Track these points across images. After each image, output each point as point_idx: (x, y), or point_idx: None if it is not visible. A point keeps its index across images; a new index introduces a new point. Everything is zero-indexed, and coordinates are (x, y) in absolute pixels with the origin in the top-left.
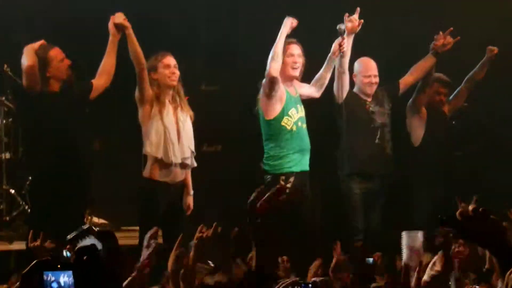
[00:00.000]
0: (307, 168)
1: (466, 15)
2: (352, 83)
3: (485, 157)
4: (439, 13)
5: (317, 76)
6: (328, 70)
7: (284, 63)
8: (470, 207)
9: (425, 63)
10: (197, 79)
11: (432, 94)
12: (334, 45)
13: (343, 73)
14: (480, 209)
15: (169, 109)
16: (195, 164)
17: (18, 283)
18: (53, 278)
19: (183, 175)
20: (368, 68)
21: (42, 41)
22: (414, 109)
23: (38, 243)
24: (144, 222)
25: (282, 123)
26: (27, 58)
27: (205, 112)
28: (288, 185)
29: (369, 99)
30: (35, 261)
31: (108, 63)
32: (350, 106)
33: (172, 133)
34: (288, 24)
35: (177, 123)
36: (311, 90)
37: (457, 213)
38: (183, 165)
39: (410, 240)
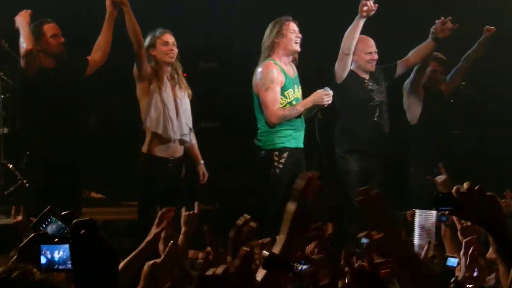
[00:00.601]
0: (301, 145)
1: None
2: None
3: (482, 136)
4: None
5: None
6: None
7: (287, 39)
8: (465, 185)
9: (425, 47)
10: (195, 56)
11: (429, 72)
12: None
13: (347, 54)
14: (476, 187)
15: (167, 85)
16: (194, 141)
17: (15, 256)
18: (49, 252)
19: (182, 150)
20: (369, 45)
21: (29, 11)
22: (411, 89)
23: (20, 218)
24: (143, 197)
25: None
26: (26, 41)
27: (203, 89)
28: (282, 160)
29: (367, 77)
30: (32, 235)
31: (103, 40)
32: (348, 84)
33: (171, 109)
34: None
35: (175, 100)
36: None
37: (453, 190)
38: (181, 141)
39: (422, 219)
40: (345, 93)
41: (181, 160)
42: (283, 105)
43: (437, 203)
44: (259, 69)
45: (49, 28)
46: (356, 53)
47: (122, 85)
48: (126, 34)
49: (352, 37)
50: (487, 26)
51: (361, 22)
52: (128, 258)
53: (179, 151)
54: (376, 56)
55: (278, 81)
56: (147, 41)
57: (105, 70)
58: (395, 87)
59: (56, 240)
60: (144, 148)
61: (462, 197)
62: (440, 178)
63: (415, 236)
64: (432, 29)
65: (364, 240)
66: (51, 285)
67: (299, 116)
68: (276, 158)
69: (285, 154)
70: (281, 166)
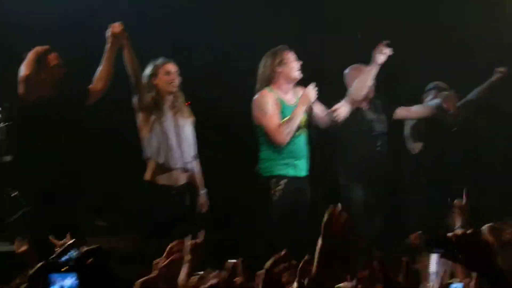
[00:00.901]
0: (302, 173)
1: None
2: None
3: (483, 164)
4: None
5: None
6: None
7: (289, 68)
8: (459, 230)
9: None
10: (198, 86)
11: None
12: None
13: (357, 101)
14: (469, 231)
15: (168, 115)
16: (196, 169)
17: (24, 285)
18: (58, 280)
19: (185, 178)
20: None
21: (47, 46)
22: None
23: (25, 248)
24: (145, 225)
25: None
26: (26, 67)
27: (205, 118)
28: (279, 188)
29: (367, 107)
30: (41, 263)
31: (105, 70)
32: (349, 116)
33: (172, 138)
34: (311, 99)
35: (176, 128)
36: (322, 115)
37: (448, 235)
38: (184, 169)
39: None
40: (346, 123)
41: (184, 188)
42: None
43: (429, 245)
44: (256, 98)
45: (52, 58)
46: (352, 86)
47: (124, 115)
48: None
49: (367, 86)
50: (497, 68)
51: (376, 70)
52: None
53: (182, 179)
54: (372, 83)
55: (274, 106)
56: (149, 70)
57: (107, 99)
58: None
59: (63, 269)
60: (147, 176)
61: (455, 240)
62: (460, 202)
63: (431, 263)
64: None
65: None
66: None
67: (302, 142)
68: (274, 185)
69: (283, 182)
70: (278, 193)
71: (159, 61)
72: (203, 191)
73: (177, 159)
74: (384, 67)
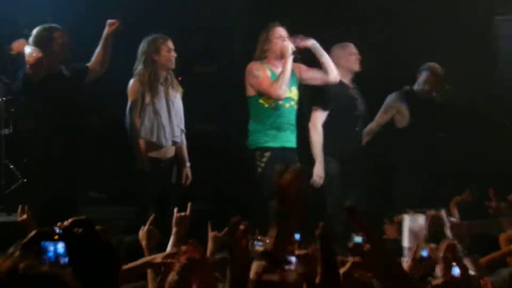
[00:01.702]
0: (289, 144)
1: None
2: None
3: (467, 138)
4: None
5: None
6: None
7: (273, 44)
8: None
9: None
10: (191, 61)
11: (423, 82)
12: None
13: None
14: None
15: (160, 92)
16: (185, 142)
17: (18, 252)
18: (49, 248)
19: (173, 151)
20: (351, 47)
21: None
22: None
23: (25, 216)
24: (138, 196)
25: (260, 101)
26: (36, 49)
27: (197, 92)
28: (264, 159)
29: (351, 86)
30: (34, 232)
31: (103, 54)
32: (334, 90)
33: (164, 116)
34: (290, 51)
35: (167, 104)
36: (319, 74)
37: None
38: (173, 143)
39: (411, 223)
40: (331, 99)
41: (172, 160)
42: (268, 104)
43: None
44: (247, 67)
45: (58, 36)
46: (342, 58)
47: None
48: (126, 42)
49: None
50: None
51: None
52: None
53: (171, 151)
54: (359, 56)
55: (264, 72)
56: (148, 46)
57: (104, 79)
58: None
59: (56, 237)
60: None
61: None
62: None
63: (404, 239)
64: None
65: (357, 239)
66: (55, 277)
67: (289, 115)
68: (258, 157)
69: (267, 153)
70: (262, 165)
71: (159, 37)
72: (188, 164)
73: (168, 136)
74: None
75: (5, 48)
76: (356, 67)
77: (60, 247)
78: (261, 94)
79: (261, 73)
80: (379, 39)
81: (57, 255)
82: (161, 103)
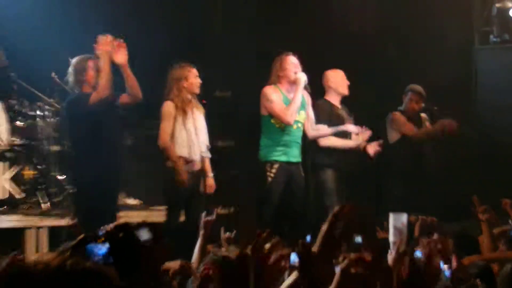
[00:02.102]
0: (294, 159)
1: None
2: (323, 92)
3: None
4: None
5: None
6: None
7: (287, 71)
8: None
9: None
10: (212, 85)
11: (407, 102)
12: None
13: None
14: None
15: (189, 114)
16: (210, 155)
17: (68, 253)
18: (94, 249)
19: (200, 164)
20: (342, 74)
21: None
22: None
23: (74, 221)
24: (170, 203)
25: (272, 121)
26: (106, 88)
27: (218, 114)
28: (273, 171)
29: (340, 107)
30: (82, 236)
31: (105, 79)
32: (325, 111)
33: (193, 134)
34: (303, 83)
35: (194, 123)
36: (308, 128)
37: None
38: (201, 157)
39: (395, 220)
40: (321, 120)
41: (199, 172)
42: (278, 124)
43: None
44: (263, 91)
45: (92, 63)
46: (333, 82)
47: (152, 110)
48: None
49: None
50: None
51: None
52: None
53: (199, 165)
54: (348, 82)
55: (278, 97)
56: (180, 73)
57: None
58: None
59: (100, 240)
60: (170, 164)
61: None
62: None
63: (390, 234)
64: None
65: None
66: (99, 272)
67: (296, 134)
68: (268, 169)
69: (276, 166)
70: (272, 175)
71: (187, 65)
72: (211, 175)
73: (197, 151)
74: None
75: (52, 75)
76: (345, 91)
77: (104, 248)
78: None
79: (275, 98)
80: (367, 65)
81: (101, 256)
82: (189, 123)
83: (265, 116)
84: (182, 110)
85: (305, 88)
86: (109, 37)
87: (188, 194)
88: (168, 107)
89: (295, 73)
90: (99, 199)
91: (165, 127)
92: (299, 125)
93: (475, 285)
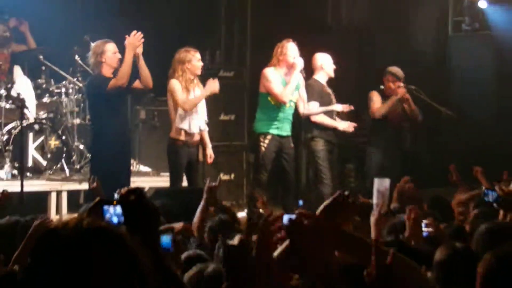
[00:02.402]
0: (285, 133)
1: None
2: (311, 73)
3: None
4: None
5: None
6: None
7: (287, 56)
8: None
9: None
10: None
11: (385, 82)
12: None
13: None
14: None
15: (191, 92)
16: (207, 128)
17: (85, 214)
18: (110, 211)
19: (199, 135)
20: (330, 58)
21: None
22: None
23: (95, 185)
24: (172, 170)
25: (268, 98)
26: (126, 76)
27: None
28: (266, 141)
29: (326, 85)
30: (98, 199)
31: (125, 70)
32: (318, 89)
33: (193, 110)
34: (299, 67)
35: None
36: (300, 107)
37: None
38: (200, 130)
39: (379, 184)
40: (313, 98)
41: (198, 144)
42: (273, 101)
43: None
44: (263, 71)
45: (110, 46)
46: (323, 63)
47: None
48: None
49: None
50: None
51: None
52: None
53: (197, 136)
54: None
55: (276, 78)
56: (184, 56)
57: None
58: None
59: (114, 202)
60: (173, 134)
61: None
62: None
63: (373, 197)
64: None
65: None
66: (112, 231)
67: (289, 111)
68: (262, 139)
69: (269, 137)
70: (265, 145)
71: (191, 50)
72: (210, 146)
73: (196, 125)
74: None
75: (75, 58)
76: (332, 74)
77: (118, 210)
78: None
79: (273, 79)
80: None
81: (114, 216)
82: (191, 98)
83: (263, 94)
84: (186, 88)
85: (301, 72)
86: (139, 34)
87: (188, 162)
88: (175, 84)
89: (294, 58)
90: (114, 165)
91: (173, 101)
92: (292, 104)
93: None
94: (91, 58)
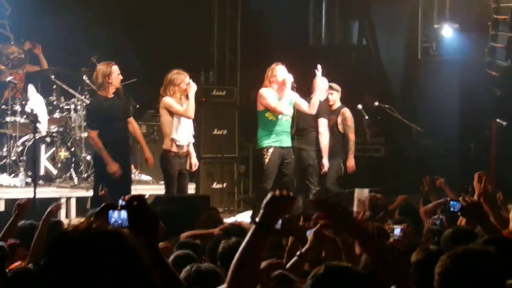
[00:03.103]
0: (285, 145)
1: None
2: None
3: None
4: None
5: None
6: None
7: (277, 78)
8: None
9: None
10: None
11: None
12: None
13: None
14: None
15: (183, 104)
16: (193, 140)
17: (92, 218)
18: (114, 215)
19: (187, 147)
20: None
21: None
22: None
23: (103, 192)
24: (166, 178)
25: (266, 115)
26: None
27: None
28: (268, 154)
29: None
30: (103, 204)
31: None
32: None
33: (183, 124)
34: (289, 83)
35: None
36: (304, 107)
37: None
38: (188, 142)
39: (359, 194)
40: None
41: (186, 154)
42: (270, 117)
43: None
44: (260, 91)
45: (115, 68)
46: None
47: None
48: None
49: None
50: None
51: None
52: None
53: (185, 148)
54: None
55: (271, 95)
56: (176, 78)
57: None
58: None
59: (118, 207)
60: (166, 147)
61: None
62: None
63: (354, 206)
64: None
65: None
66: (118, 234)
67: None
68: (264, 153)
69: (271, 149)
70: (267, 158)
71: (182, 73)
72: (195, 155)
73: (185, 138)
74: None
75: (84, 78)
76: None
77: (122, 214)
78: (267, 110)
79: (268, 96)
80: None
81: (119, 221)
82: (183, 117)
83: (261, 111)
84: (178, 103)
85: (293, 88)
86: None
87: (179, 171)
88: (169, 100)
89: (282, 77)
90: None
91: (171, 114)
92: (288, 117)
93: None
94: (98, 79)
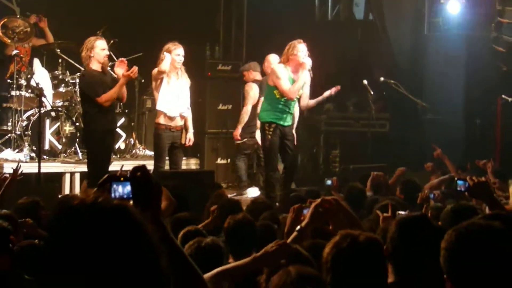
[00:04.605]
0: (287, 124)
1: None
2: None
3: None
4: None
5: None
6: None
7: (297, 56)
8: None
9: None
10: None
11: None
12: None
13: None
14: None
15: (172, 82)
16: (190, 115)
17: (95, 190)
18: (118, 187)
19: (182, 121)
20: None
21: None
22: None
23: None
24: (155, 151)
25: (274, 92)
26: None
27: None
28: (271, 129)
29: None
30: (106, 175)
31: (114, 94)
32: None
33: (174, 95)
34: (308, 67)
35: (177, 89)
36: (303, 98)
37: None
38: (181, 116)
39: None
40: None
41: (181, 128)
42: (278, 95)
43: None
44: (274, 67)
45: (100, 43)
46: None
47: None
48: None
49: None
50: None
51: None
52: None
53: (180, 122)
54: None
55: (285, 75)
56: (167, 47)
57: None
58: None
59: (122, 179)
60: (157, 120)
61: None
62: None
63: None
64: None
65: (329, 182)
66: (123, 207)
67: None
68: (267, 128)
69: (273, 126)
70: (270, 133)
71: (176, 45)
72: (192, 131)
73: (176, 110)
74: None
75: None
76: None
77: (125, 185)
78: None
79: (282, 75)
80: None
81: (122, 192)
82: (172, 86)
83: (270, 86)
84: (167, 75)
85: (309, 70)
86: (136, 70)
87: (171, 145)
88: (157, 73)
89: (303, 58)
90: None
91: (155, 87)
92: (295, 99)
93: None
94: (82, 52)
